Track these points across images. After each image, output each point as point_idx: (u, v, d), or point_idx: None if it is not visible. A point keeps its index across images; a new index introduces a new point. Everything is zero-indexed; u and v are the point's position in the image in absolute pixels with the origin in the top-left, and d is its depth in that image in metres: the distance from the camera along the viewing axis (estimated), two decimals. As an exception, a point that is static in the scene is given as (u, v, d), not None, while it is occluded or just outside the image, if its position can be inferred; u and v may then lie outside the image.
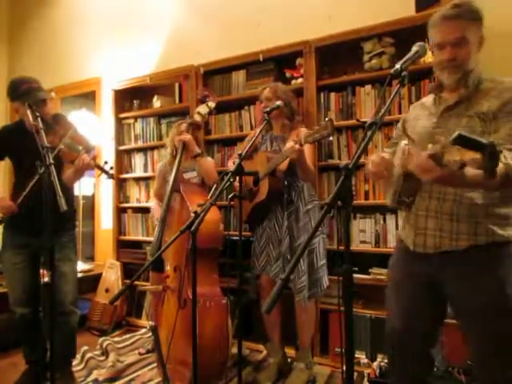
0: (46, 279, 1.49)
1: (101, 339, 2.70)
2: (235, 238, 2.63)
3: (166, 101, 3.27)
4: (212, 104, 2.45)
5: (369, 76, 2.38)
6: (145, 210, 3.26)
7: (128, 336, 2.89)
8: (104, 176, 1.87)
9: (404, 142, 1.17)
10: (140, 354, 2.57)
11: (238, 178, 1.64)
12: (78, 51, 4.05)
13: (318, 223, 0.85)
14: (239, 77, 2.88)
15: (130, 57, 3.66)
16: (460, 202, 1.21)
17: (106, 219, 3.71)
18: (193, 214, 1.41)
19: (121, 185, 3.47)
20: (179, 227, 1.42)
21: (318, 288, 2.11)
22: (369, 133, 0.92)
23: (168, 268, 2.28)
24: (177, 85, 3.18)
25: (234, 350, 2.03)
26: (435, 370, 1.84)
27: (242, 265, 1.71)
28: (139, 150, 3.40)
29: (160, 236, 2.21)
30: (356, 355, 2.26)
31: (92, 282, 3.33)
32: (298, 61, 2.60)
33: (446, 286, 1.28)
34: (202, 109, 2.44)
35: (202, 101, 2.47)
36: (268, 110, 1.90)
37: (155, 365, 2.34)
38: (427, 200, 1.27)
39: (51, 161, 1.50)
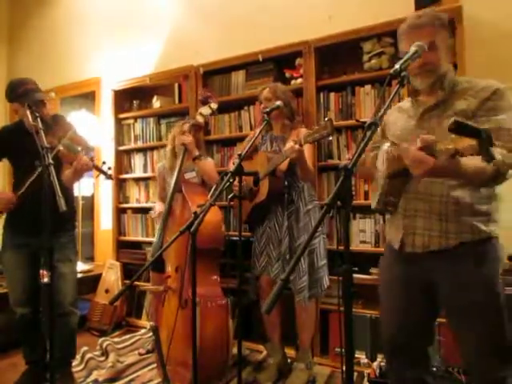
0: (46, 280, 1.49)
1: (101, 340, 2.69)
2: (235, 238, 2.63)
3: (166, 101, 3.27)
4: (214, 105, 2.45)
5: (368, 76, 2.38)
6: (144, 211, 3.26)
7: (128, 336, 2.89)
8: (103, 176, 1.88)
9: (387, 144, 1.19)
10: (140, 354, 2.57)
11: (237, 178, 1.64)
12: (77, 51, 4.05)
13: (317, 223, 0.85)
14: (239, 77, 2.88)
15: (130, 57, 3.65)
16: (447, 202, 1.23)
17: (105, 220, 3.70)
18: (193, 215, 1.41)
19: (120, 185, 3.47)
20: (180, 227, 1.42)
21: (319, 288, 2.11)
22: (368, 133, 0.92)
23: (169, 268, 2.28)
24: (176, 85, 3.18)
25: (234, 350, 2.02)
26: (435, 370, 1.85)
27: (242, 265, 1.71)
28: (139, 150, 3.40)
29: (161, 236, 2.21)
30: (356, 355, 2.26)
31: (92, 282, 3.33)
32: (298, 61, 2.60)
33: (434, 285, 1.30)
34: (205, 110, 2.44)
35: (204, 102, 2.47)
36: (268, 110, 1.90)
37: (155, 365, 2.33)
38: (414, 201, 1.30)
39: (50, 161, 1.49)
